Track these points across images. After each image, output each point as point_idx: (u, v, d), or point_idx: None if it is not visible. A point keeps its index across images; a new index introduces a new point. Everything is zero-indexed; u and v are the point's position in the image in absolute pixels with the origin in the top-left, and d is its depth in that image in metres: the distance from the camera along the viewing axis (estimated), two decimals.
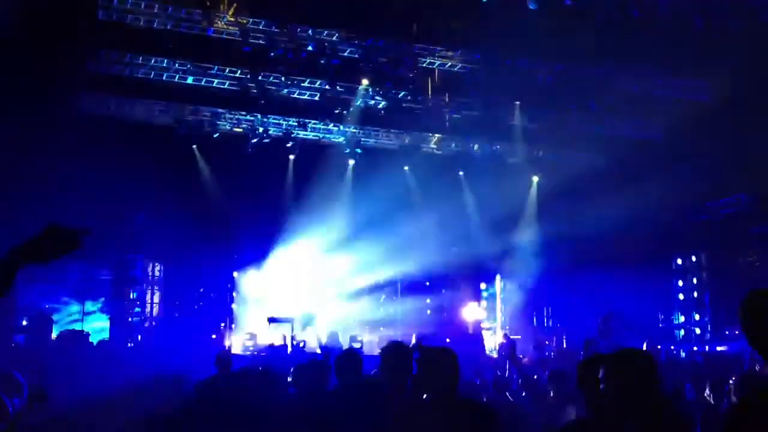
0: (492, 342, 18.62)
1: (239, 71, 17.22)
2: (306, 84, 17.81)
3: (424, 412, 3.93)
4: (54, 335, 15.54)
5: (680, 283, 20.62)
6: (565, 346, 18.59)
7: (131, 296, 18.06)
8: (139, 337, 17.76)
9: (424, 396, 4.01)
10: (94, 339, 16.37)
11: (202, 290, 19.13)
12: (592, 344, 16.83)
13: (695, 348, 18.23)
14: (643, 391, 3.30)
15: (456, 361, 4.03)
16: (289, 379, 5.48)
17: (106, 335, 17.20)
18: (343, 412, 4.38)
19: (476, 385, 8.33)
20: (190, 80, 17.20)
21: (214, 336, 17.17)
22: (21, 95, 13.64)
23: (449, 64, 17.66)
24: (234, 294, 19.74)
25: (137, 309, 18.09)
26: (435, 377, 3.96)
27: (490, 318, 21.51)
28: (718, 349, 17.40)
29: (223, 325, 18.75)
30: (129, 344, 17.07)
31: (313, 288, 20.06)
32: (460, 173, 21.13)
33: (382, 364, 4.21)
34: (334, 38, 16.34)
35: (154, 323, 18.50)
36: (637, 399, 3.31)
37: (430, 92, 18.59)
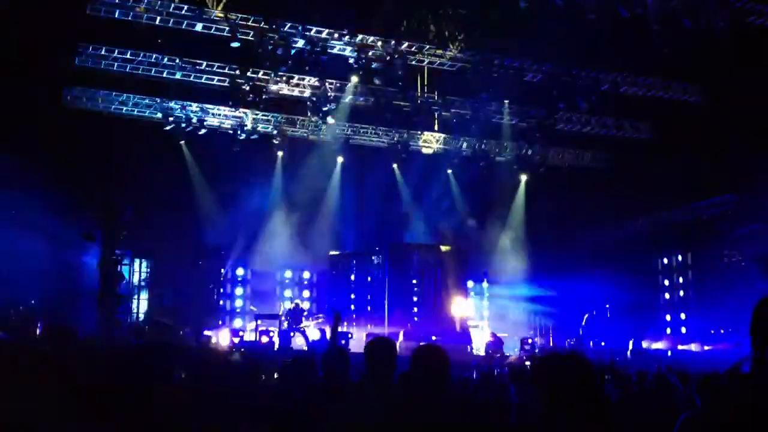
0: (479, 340, 18.64)
1: (228, 67, 17.18)
2: (295, 81, 17.78)
3: (413, 409, 3.94)
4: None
5: (666, 282, 20.75)
6: (551, 344, 18.68)
7: (118, 292, 17.94)
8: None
9: (413, 393, 4.02)
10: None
11: (189, 286, 19.04)
12: (576, 342, 16.98)
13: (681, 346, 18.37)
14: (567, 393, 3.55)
15: (447, 359, 4.04)
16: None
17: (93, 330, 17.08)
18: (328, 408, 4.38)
19: (464, 382, 8.37)
20: (178, 76, 17.14)
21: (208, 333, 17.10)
22: (9, 89, 13.56)
23: (438, 62, 17.68)
24: (221, 290, 19.69)
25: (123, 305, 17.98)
26: (426, 375, 3.97)
27: (477, 316, 21.54)
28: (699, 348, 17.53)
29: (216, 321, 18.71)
30: (115, 341, 16.97)
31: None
32: (449, 171, 21.18)
33: (367, 360, 4.21)
34: (323, 35, 16.32)
35: (140, 319, 18.41)
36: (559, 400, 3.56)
37: (419, 90, 18.61)
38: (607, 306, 18.97)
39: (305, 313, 18.05)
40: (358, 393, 4.57)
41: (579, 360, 3.78)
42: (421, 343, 4.50)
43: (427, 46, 17.11)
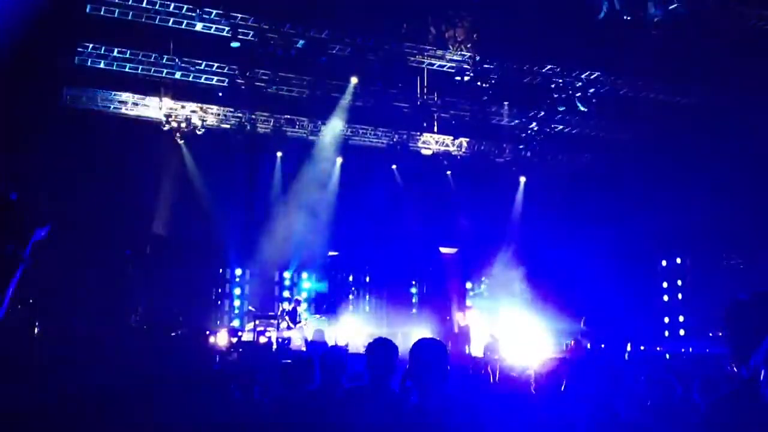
0: (478, 341, 18.61)
1: (227, 67, 17.17)
2: (294, 81, 17.76)
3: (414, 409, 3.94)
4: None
5: (665, 284, 20.75)
6: None
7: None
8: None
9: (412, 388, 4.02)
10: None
11: (187, 287, 19.01)
12: (575, 343, 16.94)
13: (683, 349, 18.38)
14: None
15: (446, 352, 4.06)
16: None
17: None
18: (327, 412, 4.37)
19: (462, 382, 8.35)
20: (178, 75, 17.13)
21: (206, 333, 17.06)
22: (7, 89, 13.54)
23: (438, 63, 17.68)
24: (219, 290, 19.67)
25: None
26: (427, 366, 3.97)
27: (475, 316, 21.50)
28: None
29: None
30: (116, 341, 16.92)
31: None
32: (448, 173, 21.17)
33: (368, 361, 4.20)
34: (323, 36, 16.31)
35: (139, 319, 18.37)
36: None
37: (418, 91, 18.61)
38: (606, 308, 18.93)
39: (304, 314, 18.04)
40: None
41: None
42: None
43: (427, 48, 17.11)
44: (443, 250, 20.45)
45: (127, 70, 16.71)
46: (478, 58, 17.21)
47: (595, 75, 17.75)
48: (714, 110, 16.95)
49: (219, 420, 4.63)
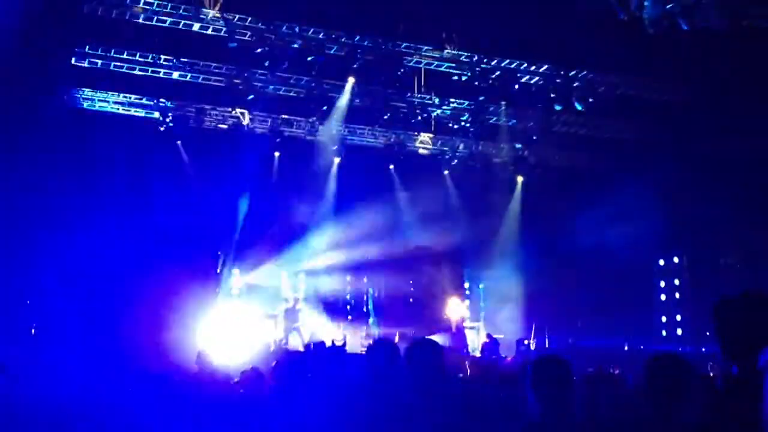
0: (475, 341, 18.66)
1: (225, 67, 17.16)
2: (292, 81, 17.76)
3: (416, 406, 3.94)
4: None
5: (662, 284, 20.78)
6: (547, 345, 18.70)
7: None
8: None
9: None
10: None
11: (187, 286, 18.98)
12: (573, 342, 16.98)
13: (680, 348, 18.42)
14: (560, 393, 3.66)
15: (442, 353, 4.08)
16: None
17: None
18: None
19: (459, 382, 8.37)
20: (175, 75, 17.11)
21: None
22: (4, 89, 13.53)
23: (435, 63, 17.69)
24: (218, 290, 19.64)
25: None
26: (424, 368, 3.98)
27: (473, 317, 21.56)
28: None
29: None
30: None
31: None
32: (445, 172, 21.18)
33: (368, 361, 4.21)
34: (321, 36, 16.31)
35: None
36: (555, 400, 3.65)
37: (416, 91, 18.60)
38: (602, 306, 18.98)
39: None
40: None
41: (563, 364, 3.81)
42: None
43: (425, 47, 17.12)
44: (440, 249, 20.45)
45: (124, 70, 16.70)
46: (475, 57, 17.24)
47: (592, 74, 17.79)
48: (712, 108, 16.97)
49: (220, 417, 4.64)
